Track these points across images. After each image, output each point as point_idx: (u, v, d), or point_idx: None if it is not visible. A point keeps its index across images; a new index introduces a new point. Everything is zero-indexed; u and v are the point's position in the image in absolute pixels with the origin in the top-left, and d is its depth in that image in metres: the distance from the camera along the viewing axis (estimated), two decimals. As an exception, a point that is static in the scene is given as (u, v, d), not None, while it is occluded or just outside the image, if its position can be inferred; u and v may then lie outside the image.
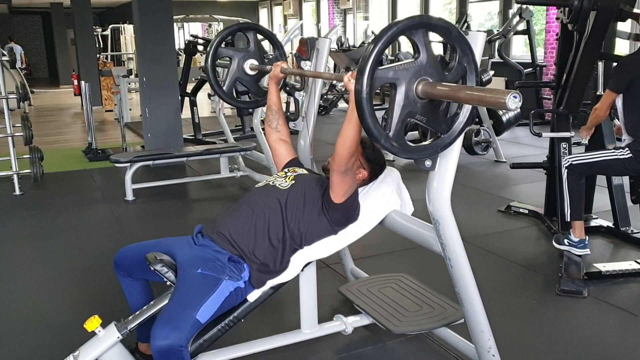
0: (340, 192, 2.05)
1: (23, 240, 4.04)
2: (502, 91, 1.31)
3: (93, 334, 1.95)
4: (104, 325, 1.96)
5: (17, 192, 5.10)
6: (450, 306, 2.50)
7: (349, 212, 2.12)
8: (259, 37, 2.81)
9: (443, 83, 1.54)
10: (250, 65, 2.66)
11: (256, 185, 2.29)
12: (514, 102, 1.29)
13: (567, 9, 3.57)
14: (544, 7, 8.41)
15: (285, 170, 2.32)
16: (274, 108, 2.47)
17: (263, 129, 3.06)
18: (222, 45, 2.67)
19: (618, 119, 3.41)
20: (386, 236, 3.06)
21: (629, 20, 3.61)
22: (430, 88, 1.52)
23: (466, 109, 1.65)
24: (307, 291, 2.40)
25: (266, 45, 5.27)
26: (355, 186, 2.10)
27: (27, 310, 2.96)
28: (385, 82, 1.51)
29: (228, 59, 2.70)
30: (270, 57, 2.80)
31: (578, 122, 3.79)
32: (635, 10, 3.47)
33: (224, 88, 2.67)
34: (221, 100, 6.07)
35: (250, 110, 6.23)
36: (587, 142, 3.54)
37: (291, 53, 14.59)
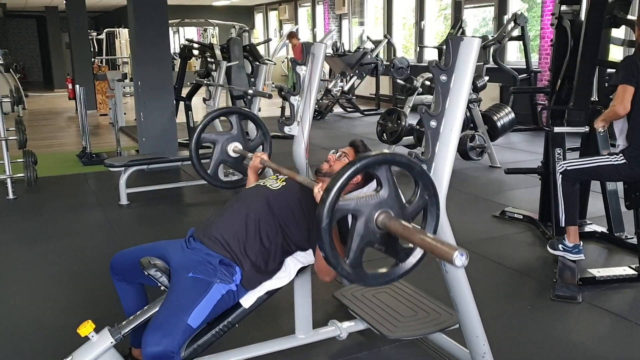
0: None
1: (16, 245, 4.01)
2: (451, 246, 1.34)
3: (86, 339, 1.94)
4: (97, 330, 1.94)
5: (11, 196, 5.08)
6: (445, 311, 2.50)
7: None
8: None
9: (402, 220, 1.56)
10: (233, 148, 2.68)
11: (246, 187, 2.28)
12: (460, 260, 1.32)
13: None
14: (539, 14, 8.46)
15: (277, 174, 2.32)
16: None
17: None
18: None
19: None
20: (381, 241, 3.06)
21: (623, 27, 3.64)
22: (388, 222, 1.54)
23: None
24: (301, 296, 2.40)
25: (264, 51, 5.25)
26: None
27: (20, 315, 2.94)
28: (346, 214, 1.53)
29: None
30: (253, 140, 2.77)
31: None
32: (629, 17, 3.50)
33: (209, 172, 2.70)
34: (216, 105, 6.10)
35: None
36: (604, 131, 3.33)
37: (286, 58, 14.63)
